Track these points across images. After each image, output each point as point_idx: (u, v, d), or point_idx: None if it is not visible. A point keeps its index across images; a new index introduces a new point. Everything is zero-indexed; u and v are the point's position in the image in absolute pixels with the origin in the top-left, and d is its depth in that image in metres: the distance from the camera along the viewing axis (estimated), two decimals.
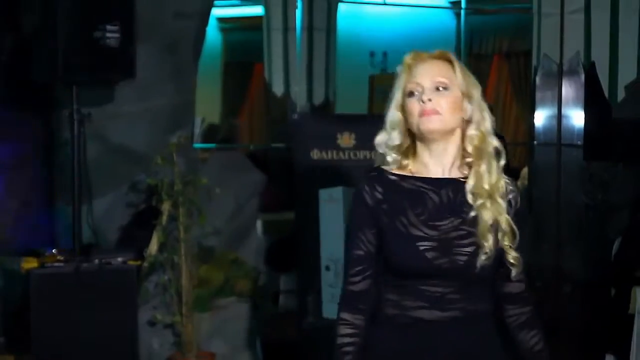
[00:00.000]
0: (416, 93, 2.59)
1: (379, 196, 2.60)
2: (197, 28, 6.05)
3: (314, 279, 5.60)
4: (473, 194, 2.58)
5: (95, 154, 5.50)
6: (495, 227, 2.58)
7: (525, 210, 2.73)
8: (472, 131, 2.60)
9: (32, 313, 4.98)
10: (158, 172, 5.53)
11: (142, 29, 5.37)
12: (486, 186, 2.58)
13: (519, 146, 10.75)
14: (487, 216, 2.56)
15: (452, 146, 2.61)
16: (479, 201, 2.57)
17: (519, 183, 9.63)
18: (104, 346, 5.09)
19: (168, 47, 5.86)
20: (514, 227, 2.62)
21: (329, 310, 5.48)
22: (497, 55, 11.21)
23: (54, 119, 5.73)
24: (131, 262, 5.28)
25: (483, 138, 2.60)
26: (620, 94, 7.54)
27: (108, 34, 5.08)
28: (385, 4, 9.73)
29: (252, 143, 9.51)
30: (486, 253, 2.55)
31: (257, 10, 9.70)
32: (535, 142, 8.13)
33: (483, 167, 2.59)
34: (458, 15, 9.29)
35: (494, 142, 2.62)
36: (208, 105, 9.63)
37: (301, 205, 5.81)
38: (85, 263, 5.11)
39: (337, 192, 5.58)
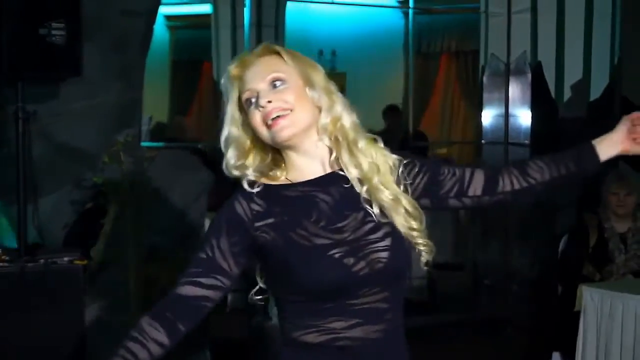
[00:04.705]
0: (252, 101, 2.28)
1: (259, 208, 2.27)
2: (144, 25, 6.01)
3: None
4: (358, 181, 2.29)
5: (41, 152, 5.44)
6: (398, 210, 2.30)
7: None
8: (322, 120, 2.29)
9: None
10: (105, 170, 5.48)
11: (89, 26, 5.32)
12: (365, 166, 2.29)
13: (466, 145, 10.83)
14: (384, 196, 2.29)
15: (317, 142, 2.31)
16: (366, 185, 2.29)
17: None
18: (51, 347, 5.03)
19: (115, 44, 5.81)
20: (417, 206, 2.33)
21: None
22: (445, 54, 11.28)
23: None
24: (78, 262, 5.22)
25: (335, 123, 2.30)
26: (567, 93, 7.62)
27: (54, 31, 5.02)
28: (333, 3, 9.74)
29: (201, 141, 9.47)
30: (404, 236, 2.29)
31: (205, 8, 9.67)
32: (482, 140, 8.20)
33: (347, 155, 2.29)
34: (406, 14, 9.32)
35: (347, 123, 2.31)
36: (156, 104, 9.59)
37: None
38: (30, 263, 5.05)
39: None
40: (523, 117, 7.77)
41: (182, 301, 2.26)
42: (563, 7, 7.61)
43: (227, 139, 2.35)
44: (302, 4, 9.67)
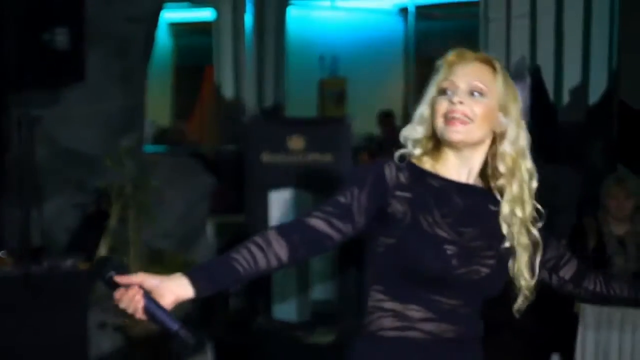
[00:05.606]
0: (448, 92, 2.38)
1: (403, 180, 2.37)
2: (147, 31, 6.06)
3: (264, 280, 5.62)
4: (506, 220, 2.42)
5: (45, 156, 5.48)
6: (525, 254, 2.46)
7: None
8: (505, 148, 2.41)
9: None
10: (108, 174, 5.52)
11: (92, 32, 5.37)
12: (520, 214, 2.42)
13: None
14: (524, 239, 2.44)
15: (478, 155, 2.42)
16: (512, 224, 2.42)
17: None
18: (54, 349, 5.07)
19: (118, 50, 5.86)
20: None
21: (279, 311, 5.51)
22: None
23: (3, 121, 5.69)
24: (81, 265, 5.27)
25: (516, 158, 2.42)
26: (566, 98, 7.66)
27: (57, 37, 5.06)
28: (333, 9, 9.79)
29: (203, 145, 9.52)
30: (514, 276, 2.47)
31: (208, 14, 9.72)
32: None
33: (516, 191, 2.43)
34: (406, 20, 9.36)
35: (528, 164, 2.45)
36: (159, 108, 9.63)
37: (251, 207, 5.83)
38: (34, 266, 5.09)
39: (287, 194, 5.61)
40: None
41: (310, 230, 2.32)
42: (561, 12, 7.65)
43: (420, 116, 2.45)
44: (304, 9, 9.73)
